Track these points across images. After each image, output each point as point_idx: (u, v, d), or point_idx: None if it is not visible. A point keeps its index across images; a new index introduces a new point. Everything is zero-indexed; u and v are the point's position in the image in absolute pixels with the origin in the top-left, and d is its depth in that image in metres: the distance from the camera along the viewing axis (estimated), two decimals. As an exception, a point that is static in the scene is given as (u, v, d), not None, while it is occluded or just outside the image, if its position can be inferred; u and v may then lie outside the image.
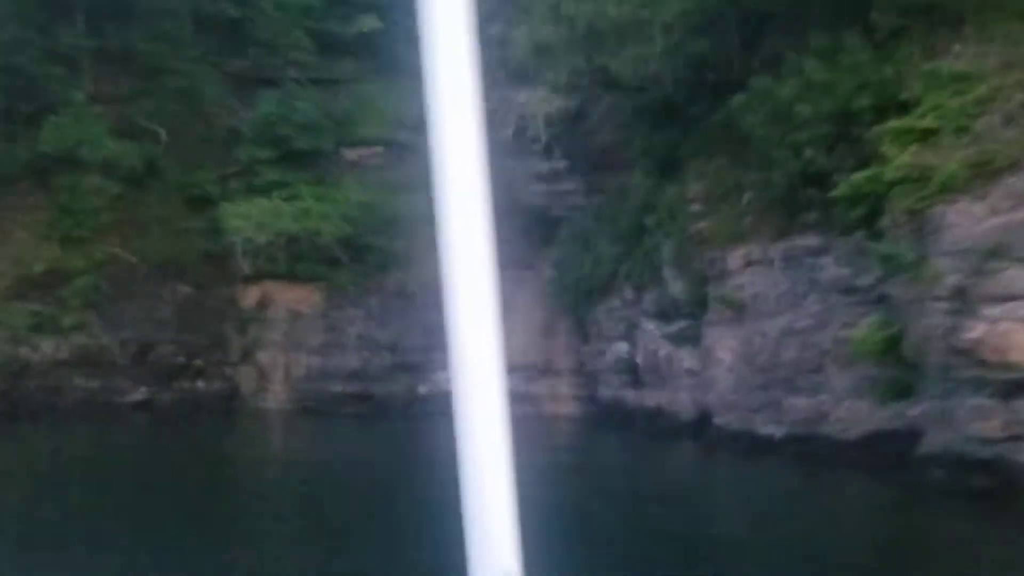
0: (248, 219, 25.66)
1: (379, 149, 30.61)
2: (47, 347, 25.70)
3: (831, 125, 15.90)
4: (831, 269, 16.10)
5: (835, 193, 15.40)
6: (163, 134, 28.70)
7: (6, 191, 26.92)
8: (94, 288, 26.35)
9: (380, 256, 27.26)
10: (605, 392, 21.56)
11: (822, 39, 16.24)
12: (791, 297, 16.28)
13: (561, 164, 29.52)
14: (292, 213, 26.23)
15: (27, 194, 27.11)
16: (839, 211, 15.67)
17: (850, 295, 15.84)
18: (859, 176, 15.07)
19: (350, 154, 31.25)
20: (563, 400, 24.82)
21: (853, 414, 15.56)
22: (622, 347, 20.86)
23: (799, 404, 15.84)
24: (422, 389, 26.26)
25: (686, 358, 18.41)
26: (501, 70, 26.07)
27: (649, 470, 17.10)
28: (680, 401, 18.37)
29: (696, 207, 18.64)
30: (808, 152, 15.82)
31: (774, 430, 16.04)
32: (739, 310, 17.01)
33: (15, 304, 25.77)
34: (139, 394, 26.14)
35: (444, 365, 1.20)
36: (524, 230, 28.95)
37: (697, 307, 18.30)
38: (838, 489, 15.46)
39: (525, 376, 26.20)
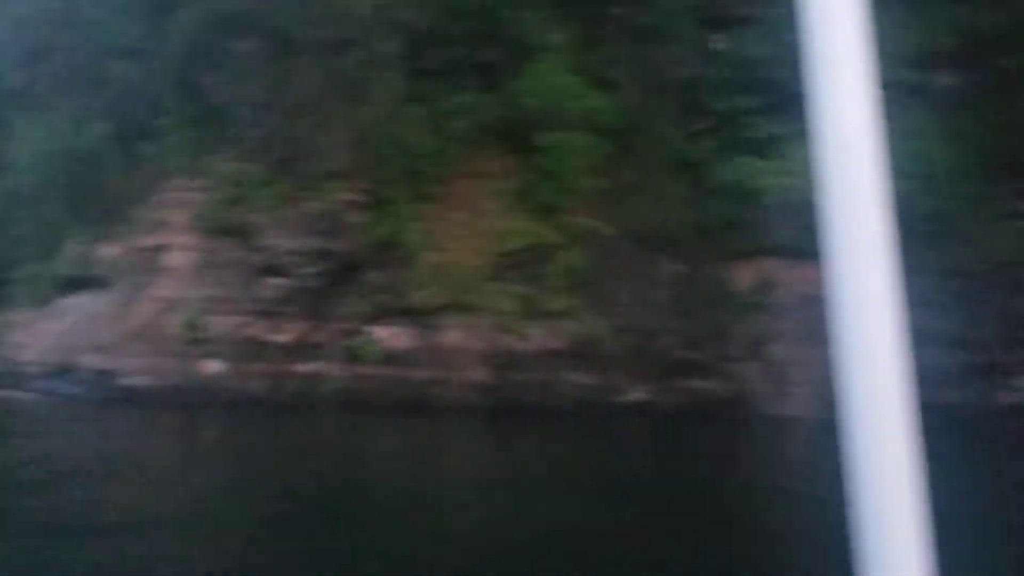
0: (790, 176, 20.44)
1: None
2: (537, 336, 21.83)
3: None
4: None
5: None
6: (632, 85, 24.26)
7: (471, 154, 23.43)
8: (579, 266, 22.29)
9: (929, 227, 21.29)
10: None
11: None
12: None
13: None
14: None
15: (494, 157, 23.48)
16: None
17: None
18: None
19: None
20: None
21: None
22: None
23: None
24: (1003, 398, 20.14)
25: None
26: None
27: None
28: None
29: None
30: None
31: None
32: None
33: (497, 285, 22.17)
34: (637, 393, 21.75)
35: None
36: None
37: None
38: None
39: None
